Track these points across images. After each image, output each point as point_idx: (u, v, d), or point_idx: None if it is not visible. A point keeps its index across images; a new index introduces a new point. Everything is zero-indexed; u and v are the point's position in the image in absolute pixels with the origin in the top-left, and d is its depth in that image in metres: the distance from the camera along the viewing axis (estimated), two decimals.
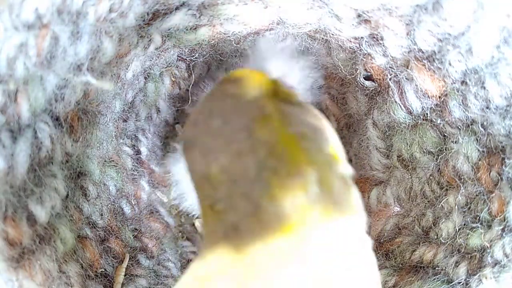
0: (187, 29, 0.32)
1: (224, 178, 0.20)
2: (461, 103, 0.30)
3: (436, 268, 0.31)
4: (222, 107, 0.23)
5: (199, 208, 0.22)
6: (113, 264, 0.34)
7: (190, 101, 0.42)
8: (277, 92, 0.23)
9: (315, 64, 0.38)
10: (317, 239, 0.18)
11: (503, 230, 0.28)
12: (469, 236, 0.30)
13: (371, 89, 0.36)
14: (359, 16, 0.30)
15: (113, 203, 0.36)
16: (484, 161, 0.30)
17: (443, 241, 0.31)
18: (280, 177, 0.19)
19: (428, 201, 0.33)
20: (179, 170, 0.37)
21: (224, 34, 0.34)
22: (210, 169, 0.21)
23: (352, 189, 0.21)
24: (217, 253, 0.19)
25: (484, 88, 0.29)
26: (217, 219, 0.20)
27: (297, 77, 0.36)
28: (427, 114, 0.32)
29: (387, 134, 0.35)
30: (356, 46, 0.33)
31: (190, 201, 0.38)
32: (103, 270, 0.32)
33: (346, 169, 0.21)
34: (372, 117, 0.36)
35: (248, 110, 0.22)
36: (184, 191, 0.38)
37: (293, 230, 0.18)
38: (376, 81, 0.34)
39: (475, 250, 0.29)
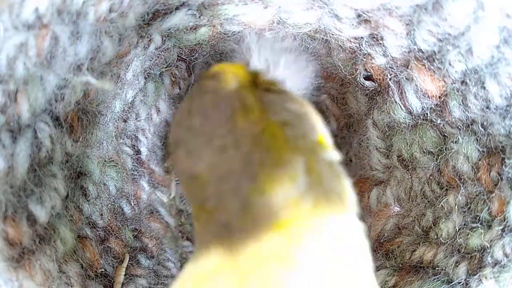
0: (187, 29, 0.32)
1: (212, 176, 0.20)
2: (461, 103, 0.30)
3: (436, 268, 0.31)
4: (201, 103, 0.22)
5: (191, 210, 0.22)
6: (113, 264, 0.34)
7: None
8: (257, 83, 0.22)
9: (313, 63, 0.38)
10: (310, 238, 0.18)
11: (503, 230, 0.28)
12: (469, 236, 0.30)
13: (371, 89, 0.36)
14: (359, 16, 0.30)
15: (113, 203, 0.36)
16: (484, 161, 0.30)
17: (443, 241, 0.31)
18: (267, 168, 0.19)
19: (428, 201, 0.33)
20: None
21: (224, 34, 0.34)
22: (196, 168, 0.20)
23: (342, 176, 0.20)
24: (211, 254, 0.19)
25: (484, 88, 0.29)
26: (208, 218, 0.20)
27: (295, 78, 0.36)
28: (427, 114, 0.32)
29: (387, 134, 0.35)
30: (356, 46, 0.33)
31: None
32: (103, 270, 0.32)
33: (333, 155, 0.20)
34: (372, 117, 0.36)
35: (227, 104, 0.21)
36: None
37: (285, 227, 0.18)
38: (376, 81, 0.34)
39: (475, 250, 0.29)
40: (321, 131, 0.21)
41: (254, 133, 0.20)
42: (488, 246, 0.29)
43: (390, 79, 0.33)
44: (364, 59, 0.33)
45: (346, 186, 0.20)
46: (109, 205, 0.35)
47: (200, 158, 0.20)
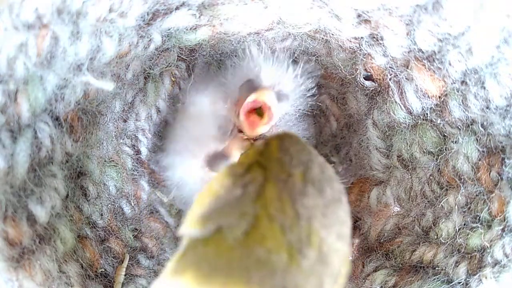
0: (187, 29, 0.32)
1: None
2: (461, 103, 0.30)
3: (436, 268, 0.31)
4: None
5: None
6: (113, 264, 0.34)
7: (187, 99, 0.42)
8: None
9: (310, 70, 0.38)
10: None
11: (503, 230, 0.28)
12: (469, 236, 0.30)
13: (371, 89, 0.36)
14: (359, 16, 0.30)
15: (113, 203, 0.36)
16: (484, 161, 0.30)
17: (443, 241, 0.31)
18: None
19: (428, 201, 0.33)
20: (179, 173, 0.37)
21: (224, 34, 0.34)
22: None
23: None
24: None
25: (484, 88, 0.29)
26: None
27: (290, 85, 0.36)
28: (427, 114, 0.32)
29: (387, 134, 0.35)
30: (356, 46, 0.33)
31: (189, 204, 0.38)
32: (103, 270, 0.32)
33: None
34: (372, 117, 0.36)
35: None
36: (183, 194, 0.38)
37: None
38: (376, 81, 0.34)
39: (475, 250, 0.29)
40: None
41: None
42: (488, 246, 0.29)
43: (390, 79, 0.33)
44: (364, 59, 0.33)
45: None
46: (109, 205, 0.35)
47: None
